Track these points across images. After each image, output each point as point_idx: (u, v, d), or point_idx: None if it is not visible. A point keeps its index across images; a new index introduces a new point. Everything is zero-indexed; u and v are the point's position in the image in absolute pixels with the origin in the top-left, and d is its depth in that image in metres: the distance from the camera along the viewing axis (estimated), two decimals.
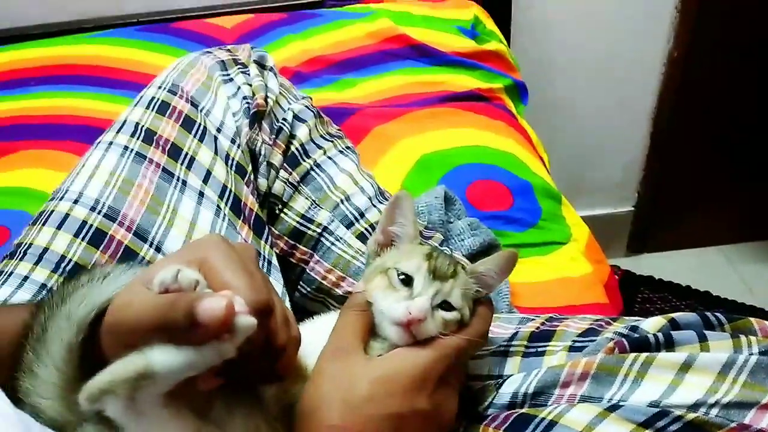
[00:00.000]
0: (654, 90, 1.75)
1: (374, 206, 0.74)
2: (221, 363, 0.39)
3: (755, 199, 1.93)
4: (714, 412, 0.41)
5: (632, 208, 1.94)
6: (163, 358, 0.38)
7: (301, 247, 0.72)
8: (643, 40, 1.66)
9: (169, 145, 0.66)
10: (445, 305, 0.49)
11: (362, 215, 0.73)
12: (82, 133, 1.12)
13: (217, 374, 0.41)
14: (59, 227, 0.60)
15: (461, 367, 0.50)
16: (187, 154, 0.67)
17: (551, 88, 1.67)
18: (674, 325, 0.47)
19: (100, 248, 0.60)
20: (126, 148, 0.65)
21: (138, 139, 0.66)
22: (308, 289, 0.72)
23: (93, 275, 0.47)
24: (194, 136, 0.68)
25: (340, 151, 0.77)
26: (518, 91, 1.28)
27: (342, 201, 0.73)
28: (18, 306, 0.54)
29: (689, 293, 1.82)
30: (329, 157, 0.75)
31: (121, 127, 0.67)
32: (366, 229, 0.72)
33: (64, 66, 1.25)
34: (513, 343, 0.54)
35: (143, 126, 0.66)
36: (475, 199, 0.99)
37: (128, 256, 0.60)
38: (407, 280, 0.49)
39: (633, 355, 0.45)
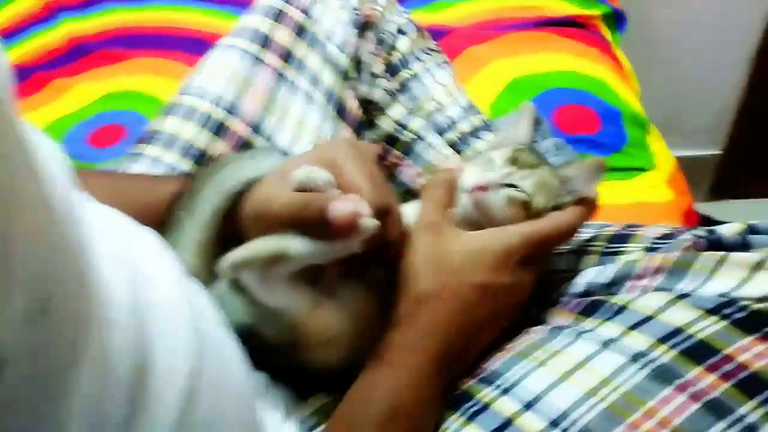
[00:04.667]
0: (759, 29, 1.66)
1: (466, 117, 0.78)
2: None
3: None
4: None
5: (720, 152, 1.88)
6: (299, 246, 0.45)
7: (394, 151, 0.78)
8: None
9: (283, 51, 0.72)
10: (516, 189, 0.53)
11: (455, 124, 0.77)
12: (190, 45, 1.21)
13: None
14: (186, 118, 0.68)
15: (544, 255, 0.55)
16: (299, 59, 0.72)
17: (650, 20, 1.61)
18: (753, 231, 0.50)
19: (223, 139, 0.67)
20: (245, 51, 0.71)
21: (256, 43, 0.71)
22: (397, 192, 0.78)
23: (239, 155, 0.53)
24: (306, 43, 0.73)
25: (438, 65, 0.81)
26: (615, 20, 1.26)
27: (436, 110, 0.77)
28: (167, 178, 0.61)
29: None
30: (427, 69, 0.79)
31: (240, 32, 0.73)
32: (458, 137, 0.77)
33: None
34: (592, 243, 0.57)
35: (261, 32, 0.72)
36: (563, 123, 1.01)
37: (245, 148, 0.68)
38: (491, 163, 0.55)
39: (708, 253, 0.47)
